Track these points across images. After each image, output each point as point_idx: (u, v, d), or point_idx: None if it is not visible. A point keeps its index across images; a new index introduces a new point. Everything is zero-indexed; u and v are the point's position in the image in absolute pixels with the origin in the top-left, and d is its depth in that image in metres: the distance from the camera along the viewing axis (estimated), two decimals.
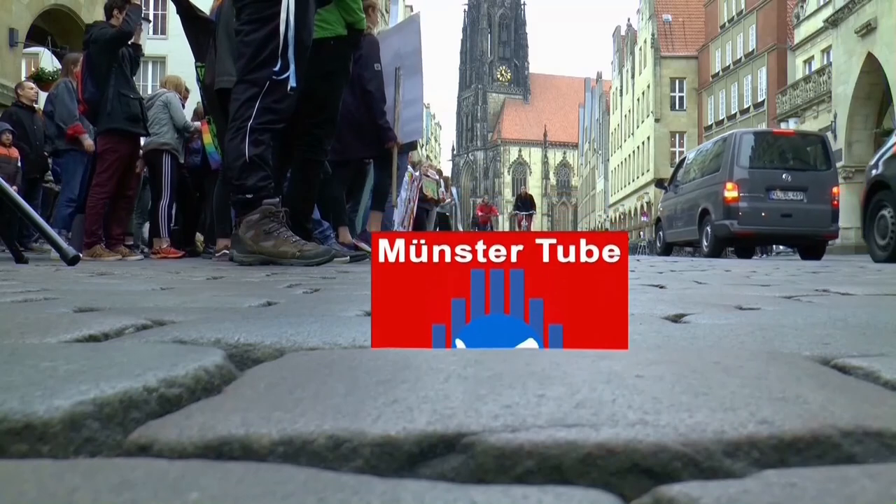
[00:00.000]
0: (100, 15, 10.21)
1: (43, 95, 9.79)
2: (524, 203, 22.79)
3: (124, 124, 5.79)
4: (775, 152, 10.98)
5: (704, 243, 11.22)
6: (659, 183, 14.59)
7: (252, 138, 3.48)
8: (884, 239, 6.85)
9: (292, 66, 3.56)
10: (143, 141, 6.62)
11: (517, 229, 24.31)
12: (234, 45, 4.11)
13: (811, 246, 10.70)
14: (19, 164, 8.78)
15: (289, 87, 3.56)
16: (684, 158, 13.85)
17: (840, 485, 0.35)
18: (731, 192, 10.26)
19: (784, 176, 10.39)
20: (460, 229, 20.87)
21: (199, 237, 8.37)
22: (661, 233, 13.77)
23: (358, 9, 4.31)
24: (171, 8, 5.91)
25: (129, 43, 6.13)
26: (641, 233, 44.11)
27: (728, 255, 11.73)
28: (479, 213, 25.31)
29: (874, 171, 7.04)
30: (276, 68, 3.51)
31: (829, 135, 25.54)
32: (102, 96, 5.74)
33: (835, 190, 9.96)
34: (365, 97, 5.40)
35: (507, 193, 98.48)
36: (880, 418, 0.45)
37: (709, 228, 10.96)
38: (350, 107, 5.25)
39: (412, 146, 6.94)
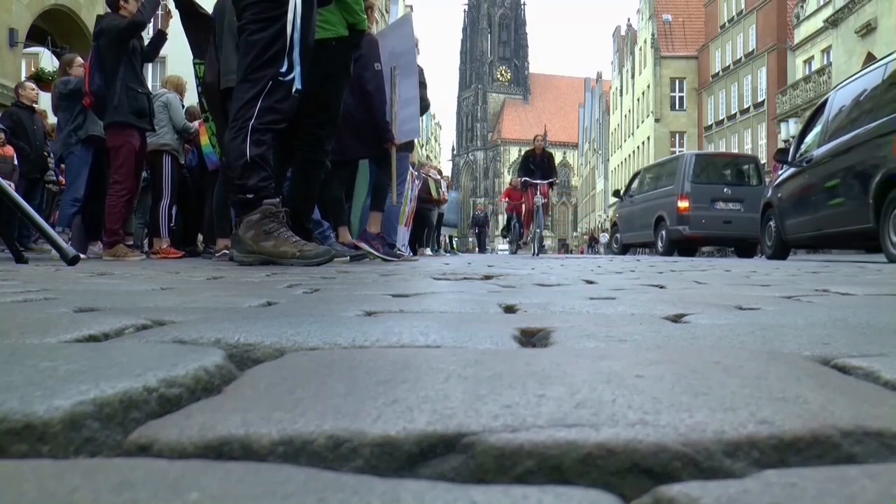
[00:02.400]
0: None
1: (43, 95, 9.81)
2: (539, 164, 12.56)
3: (130, 118, 5.76)
4: (717, 170, 13.73)
5: (659, 244, 13.61)
6: (616, 193, 17.18)
7: (254, 138, 3.48)
8: (770, 241, 9.32)
9: (297, 68, 3.56)
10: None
11: (517, 215, 15.47)
12: (239, 43, 4.10)
13: (746, 247, 13.11)
14: (16, 162, 8.79)
15: (294, 90, 3.56)
16: (639, 172, 16.48)
17: (840, 485, 0.35)
18: (683, 203, 12.82)
19: (725, 190, 13.02)
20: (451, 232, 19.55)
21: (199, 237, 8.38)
22: (617, 235, 16.41)
23: (360, 9, 4.31)
24: (172, 6, 5.87)
25: (157, 30, 6.12)
26: None
27: (676, 252, 13.80)
28: (505, 200, 18.98)
29: (767, 194, 9.71)
30: (283, 69, 3.51)
31: None
32: (110, 89, 5.70)
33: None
34: (365, 97, 5.40)
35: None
36: (880, 418, 0.45)
37: (664, 232, 13.36)
38: (350, 107, 5.25)
39: (410, 147, 6.92)
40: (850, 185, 6.92)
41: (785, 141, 21.53)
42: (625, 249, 15.79)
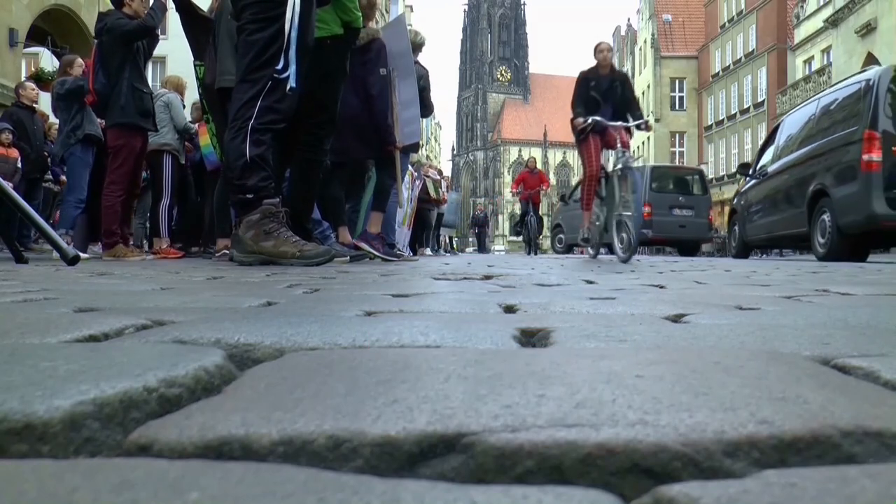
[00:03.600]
0: None
1: (43, 95, 9.80)
2: (608, 92, 6.51)
3: (136, 119, 5.74)
4: (671, 181, 15.79)
5: (618, 247, 14.26)
6: (562, 198, 18.86)
7: (253, 138, 3.48)
8: (735, 242, 10.99)
9: (293, 67, 3.56)
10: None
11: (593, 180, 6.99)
12: (238, 43, 4.11)
13: (689, 246, 15.43)
14: (19, 164, 8.79)
15: (287, 88, 3.56)
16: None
17: (840, 485, 0.35)
18: (646, 209, 14.42)
19: (680, 198, 15.24)
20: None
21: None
22: (560, 236, 18.04)
23: (354, 7, 4.31)
24: (172, 7, 5.87)
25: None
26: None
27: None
28: (517, 188, 15.81)
29: (733, 202, 11.48)
30: (279, 66, 3.51)
31: None
32: (114, 89, 5.67)
33: (711, 209, 15.43)
34: (369, 101, 5.41)
35: (508, 194, 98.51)
36: (880, 418, 0.45)
37: (625, 234, 14.03)
38: (355, 109, 5.26)
39: (414, 148, 6.92)
40: (792, 197, 8.58)
41: None
42: (569, 249, 17.56)
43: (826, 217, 7.63)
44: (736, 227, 10.92)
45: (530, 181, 15.30)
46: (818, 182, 7.77)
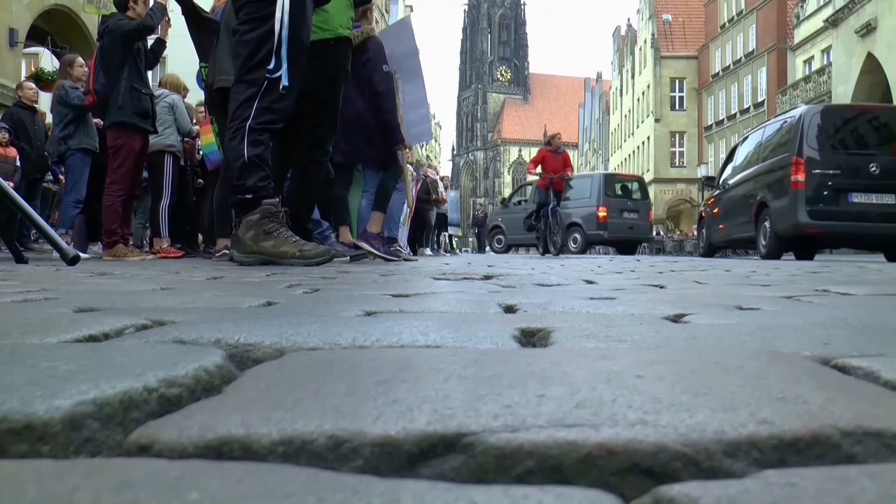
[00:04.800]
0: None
1: (43, 95, 9.81)
2: None
3: (134, 119, 5.77)
4: (618, 187, 17.62)
5: (572, 246, 16.69)
6: (502, 201, 20.86)
7: (251, 138, 3.48)
8: (703, 243, 13.13)
9: (285, 65, 3.56)
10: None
11: None
12: (233, 44, 4.11)
13: (629, 246, 17.33)
14: (18, 163, 8.80)
15: (281, 87, 3.56)
16: (524, 185, 20.11)
17: (840, 485, 0.35)
18: (602, 213, 16.53)
19: (627, 203, 17.18)
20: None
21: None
22: (500, 237, 19.88)
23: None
24: (172, 8, 5.91)
25: (155, 38, 6.14)
26: None
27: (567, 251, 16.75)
28: (534, 171, 11.73)
29: (701, 210, 13.76)
30: (270, 66, 3.51)
31: None
32: (114, 89, 5.71)
33: (650, 212, 17.84)
34: (375, 100, 5.41)
35: (507, 193, 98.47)
36: (880, 418, 0.45)
37: (578, 235, 16.71)
38: (360, 110, 5.26)
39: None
40: (743, 207, 10.52)
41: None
42: (508, 248, 19.24)
43: (767, 224, 9.53)
44: (703, 231, 13.07)
45: (552, 162, 11.31)
46: (762, 196, 9.79)
